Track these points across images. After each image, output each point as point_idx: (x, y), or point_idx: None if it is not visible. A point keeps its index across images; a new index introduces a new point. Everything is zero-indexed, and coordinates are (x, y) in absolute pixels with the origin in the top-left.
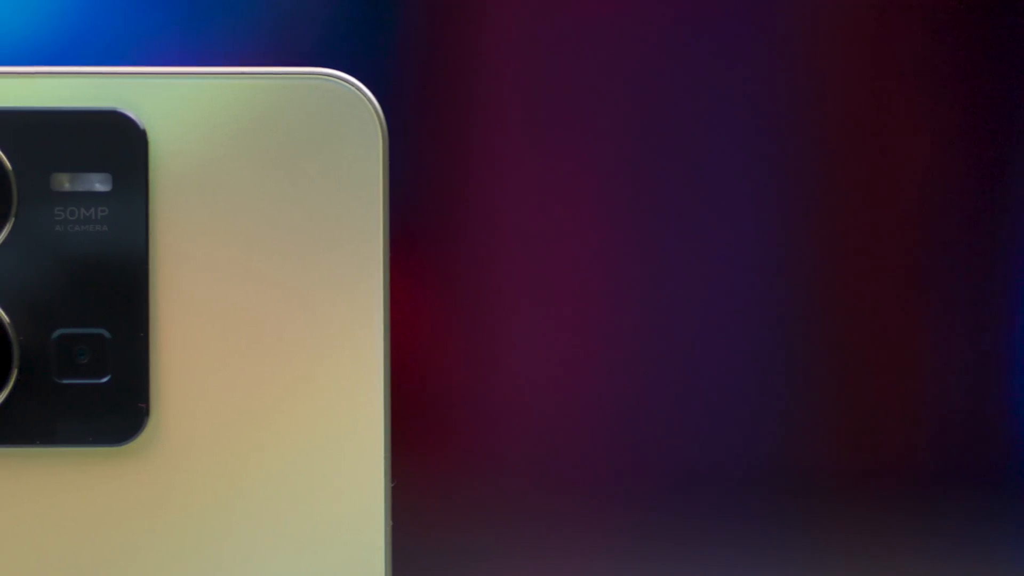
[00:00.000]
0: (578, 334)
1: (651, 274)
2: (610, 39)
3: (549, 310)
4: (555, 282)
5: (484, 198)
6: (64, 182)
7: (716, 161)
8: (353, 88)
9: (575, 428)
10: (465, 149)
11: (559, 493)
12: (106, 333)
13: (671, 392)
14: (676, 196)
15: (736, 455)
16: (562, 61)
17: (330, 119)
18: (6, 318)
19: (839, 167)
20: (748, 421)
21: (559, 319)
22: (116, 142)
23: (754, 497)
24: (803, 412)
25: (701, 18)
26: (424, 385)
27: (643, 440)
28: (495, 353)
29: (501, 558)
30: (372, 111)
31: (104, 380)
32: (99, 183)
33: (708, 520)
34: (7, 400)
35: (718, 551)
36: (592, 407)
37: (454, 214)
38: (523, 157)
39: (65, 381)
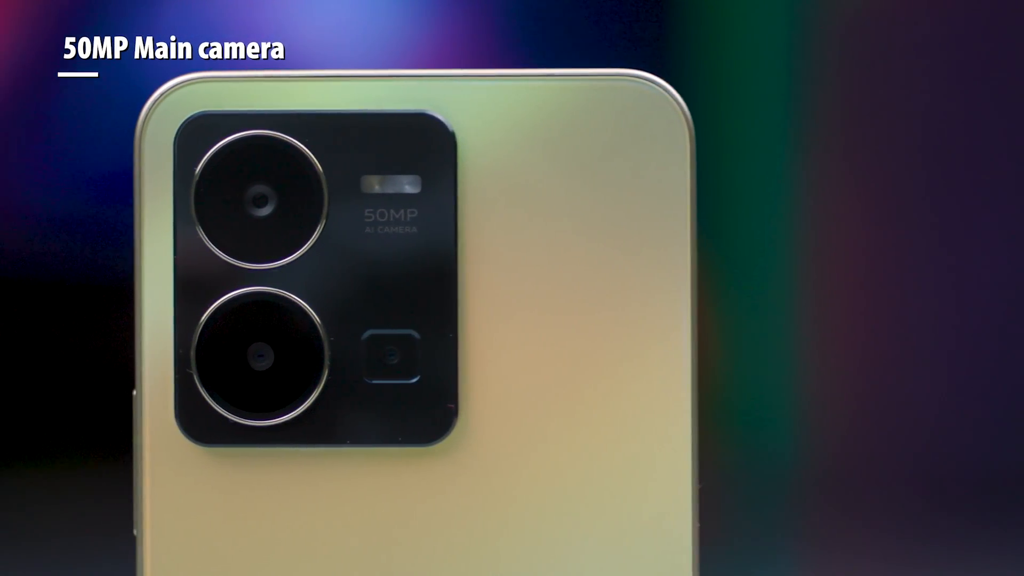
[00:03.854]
0: (870, 334)
1: (944, 274)
2: (896, 39)
3: (839, 309)
4: (844, 283)
5: (766, 198)
6: (374, 184)
7: (1002, 163)
8: (661, 90)
9: (871, 428)
10: (756, 149)
11: (856, 494)
12: (415, 334)
13: (967, 394)
14: (966, 195)
15: None
16: (851, 61)
17: (637, 120)
18: (317, 319)
19: None
20: None
21: (847, 319)
22: (425, 144)
23: None
24: None
25: (982, 20)
26: (713, 387)
27: (944, 441)
28: (783, 353)
29: (803, 559)
30: (680, 113)
31: (413, 381)
32: (409, 185)
33: (1008, 521)
34: (318, 400)
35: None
36: (886, 408)
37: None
38: (805, 155)
39: (375, 381)
